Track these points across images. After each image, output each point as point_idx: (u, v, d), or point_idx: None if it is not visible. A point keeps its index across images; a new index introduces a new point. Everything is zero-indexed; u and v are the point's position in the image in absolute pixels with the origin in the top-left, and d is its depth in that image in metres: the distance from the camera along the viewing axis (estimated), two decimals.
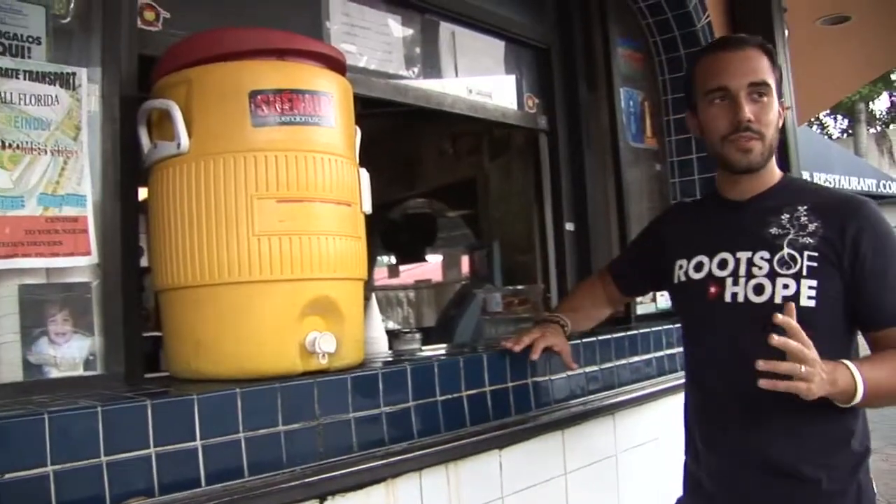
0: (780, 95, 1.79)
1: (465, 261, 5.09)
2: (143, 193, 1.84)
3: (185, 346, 1.71)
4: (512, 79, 3.28)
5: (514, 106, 3.26)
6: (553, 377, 2.25)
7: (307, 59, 1.77)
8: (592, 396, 2.38)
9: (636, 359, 2.63)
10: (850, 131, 26.05)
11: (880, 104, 26.11)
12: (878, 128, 26.01)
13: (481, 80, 3.10)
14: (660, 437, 2.61)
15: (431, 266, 6.82)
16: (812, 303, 1.69)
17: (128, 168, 1.79)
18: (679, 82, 3.44)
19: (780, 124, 1.81)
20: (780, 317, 1.53)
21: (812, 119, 22.00)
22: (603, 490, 2.40)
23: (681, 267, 1.92)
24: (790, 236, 1.74)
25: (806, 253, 1.71)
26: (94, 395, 1.55)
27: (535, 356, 2.00)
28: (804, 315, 1.61)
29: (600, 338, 2.49)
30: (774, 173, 1.86)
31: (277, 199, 1.64)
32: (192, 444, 1.48)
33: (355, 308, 1.80)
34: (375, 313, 2.25)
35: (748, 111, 1.74)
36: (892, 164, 23.54)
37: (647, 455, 2.58)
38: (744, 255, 1.79)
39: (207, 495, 1.45)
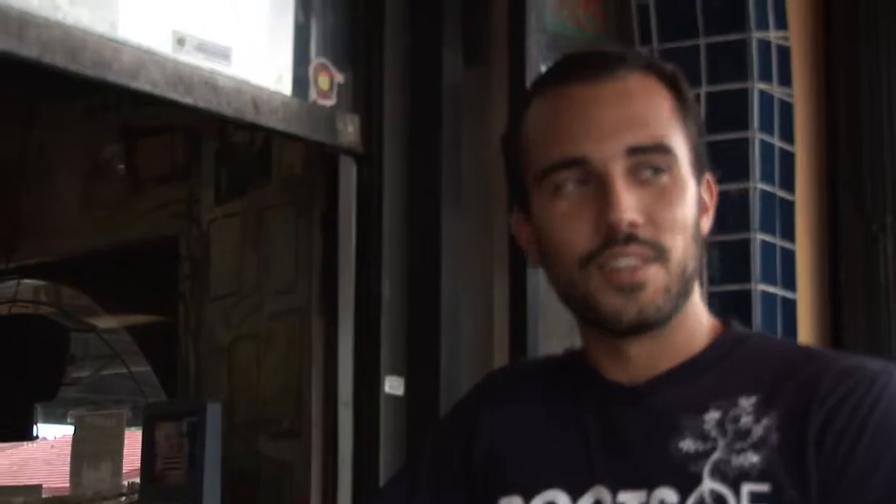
0: (700, 167, 1.52)
1: (132, 443, 4.34)
2: None
3: None
4: (284, 24, 2.74)
5: (285, 86, 2.68)
6: None
7: None
8: None
9: None
10: None
11: None
12: None
13: (209, 19, 2.58)
14: None
15: (44, 452, 6.36)
16: None
17: None
18: (689, 60, 2.93)
19: (707, 224, 1.57)
20: None
21: None
22: None
23: None
24: (716, 455, 1.45)
25: (746, 488, 1.42)
26: None
27: None
28: None
29: None
30: (699, 327, 1.55)
31: None
32: None
33: None
34: None
35: (626, 204, 1.43)
36: None
37: None
38: (633, 499, 1.48)
39: None
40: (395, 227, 2.76)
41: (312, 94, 2.69)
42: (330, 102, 2.71)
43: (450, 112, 2.78)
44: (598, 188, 1.46)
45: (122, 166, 4.16)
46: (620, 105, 1.50)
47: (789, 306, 3.00)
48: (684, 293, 1.51)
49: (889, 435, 1.41)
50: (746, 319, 2.86)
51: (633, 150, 1.46)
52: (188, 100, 2.38)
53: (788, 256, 3.02)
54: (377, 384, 2.67)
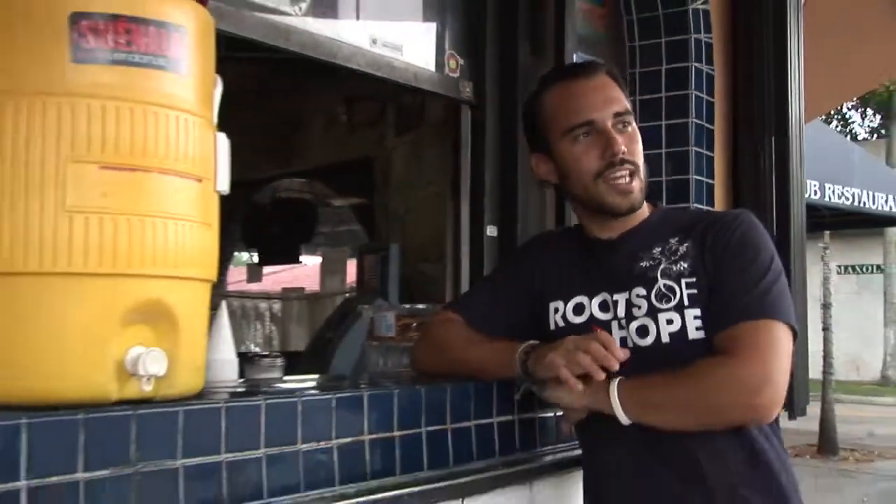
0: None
1: (351, 266, 5.12)
2: None
3: None
4: (431, 30, 3.40)
5: (431, 66, 3.36)
6: (455, 425, 2.15)
7: None
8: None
9: None
10: (884, 131, 24.66)
11: None
12: None
13: (390, 27, 3.20)
14: None
15: (306, 270, 6.93)
16: (700, 334, 1.93)
17: None
18: (655, 52, 3.80)
19: None
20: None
21: (831, 112, 20.49)
22: None
23: (556, 310, 2.13)
24: (663, 265, 1.99)
25: (683, 281, 1.96)
26: None
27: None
28: (696, 350, 1.91)
29: None
30: (644, 207, 2.11)
31: (101, 165, 1.56)
32: None
33: (197, 319, 1.75)
34: (224, 328, 2.24)
35: (620, 142, 1.98)
36: None
37: None
38: (621, 297, 2.03)
39: None
40: (492, 146, 3.42)
41: (447, 69, 3.37)
42: (456, 75, 3.39)
43: (522, 83, 3.38)
44: (599, 137, 2.01)
45: (344, 116, 4.89)
46: (606, 90, 2.04)
47: (709, 189, 3.70)
48: (646, 191, 2.07)
49: (742, 245, 1.99)
50: (685, 197, 3.66)
51: (617, 114, 2.02)
52: (379, 74, 3.13)
53: (710, 161, 3.74)
54: (482, 229, 3.36)
